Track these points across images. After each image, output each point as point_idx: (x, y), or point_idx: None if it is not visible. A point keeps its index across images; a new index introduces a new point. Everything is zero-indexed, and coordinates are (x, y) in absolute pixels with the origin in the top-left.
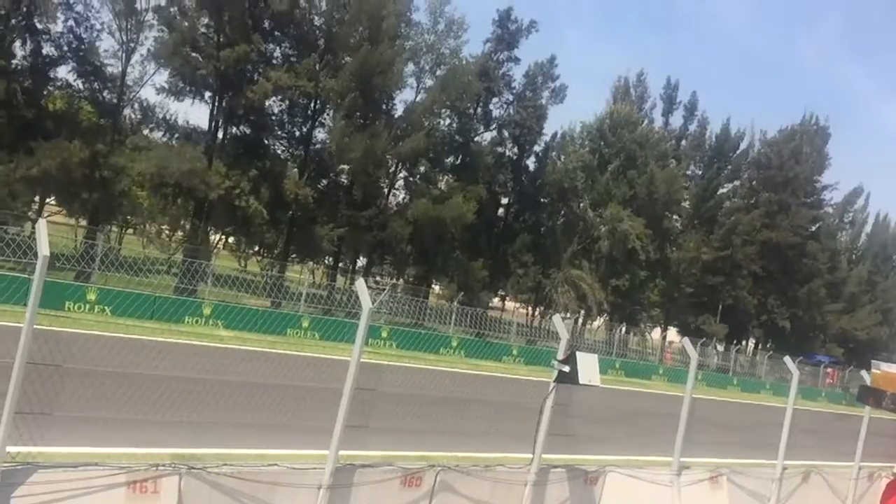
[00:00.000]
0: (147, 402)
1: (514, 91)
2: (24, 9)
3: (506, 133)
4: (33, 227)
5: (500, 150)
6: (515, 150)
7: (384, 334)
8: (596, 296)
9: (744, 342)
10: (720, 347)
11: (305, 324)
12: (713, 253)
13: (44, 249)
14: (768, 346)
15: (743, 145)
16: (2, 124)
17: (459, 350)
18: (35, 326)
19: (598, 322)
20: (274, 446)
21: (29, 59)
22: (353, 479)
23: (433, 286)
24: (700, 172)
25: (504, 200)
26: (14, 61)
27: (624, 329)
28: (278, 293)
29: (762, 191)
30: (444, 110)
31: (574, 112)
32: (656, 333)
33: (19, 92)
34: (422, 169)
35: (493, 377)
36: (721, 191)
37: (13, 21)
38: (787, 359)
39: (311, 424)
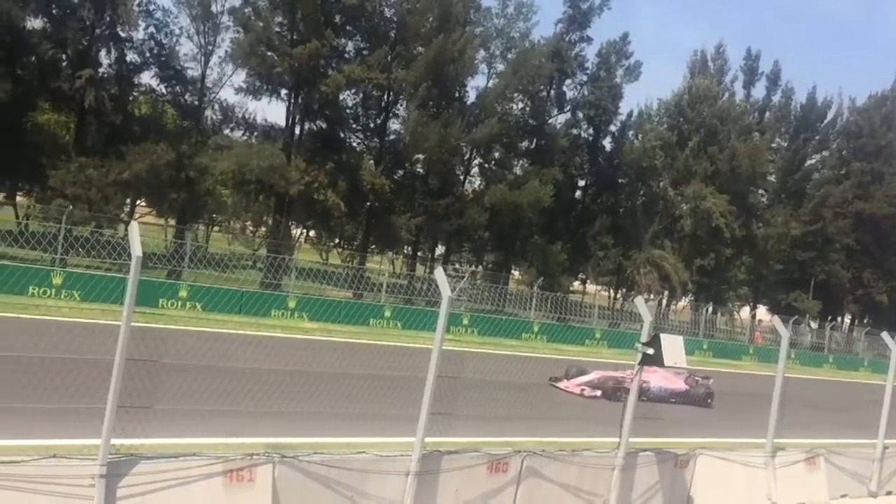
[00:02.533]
0: (239, 394)
1: (588, 71)
2: (108, 18)
3: (580, 114)
4: (126, 229)
5: (574, 132)
6: (591, 131)
7: (465, 321)
8: (679, 276)
9: (839, 318)
10: (814, 325)
11: (387, 314)
12: (803, 227)
13: (136, 250)
14: (865, 321)
15: (830, 114)
16: (93, 131)
17: (541, 335)
18: (132, 324)
19: (683, 303)
20: (362, 435)
21: (114, 67)
22: (440, 465)
23: (512, 272)
24: (786, 145)
25: (581, 183)
26: (101, 70)
27: (710, 309)
28: (360, 284)
29: (853, 161)
30: (516, 94)
31: (650, 89)
32: (745, 312)
33: (107, 99)
34: (496, 155)
35: (575, 361)
36: (809, 163)
37: (98, 31)
38: (885, 334)
39: (396, 413)
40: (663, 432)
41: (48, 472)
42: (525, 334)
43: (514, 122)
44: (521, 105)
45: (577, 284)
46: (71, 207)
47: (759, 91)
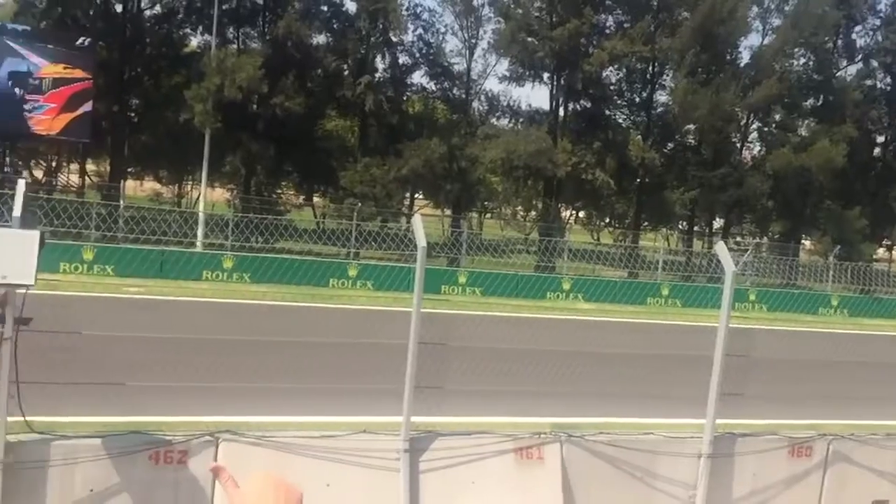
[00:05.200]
0: (521, 375)
1: (881, 14)
2: (381, 26)
3: (874, 63)
4: (408, 222)
5: (869, 82)
6: (888, 80)
7: (751, 297)
8: None
9: None
10: None
11: (665, 291)
12: None
13: (421, 241)
14: None
15: None
16: (374, 132)
17: (841, 309)
18: (421, 310)
19: None
20: (646, 416)
21: (388, 71)
22: (735, 448)
23: (803, 241)
24: None
25: (880, 139)
26: (377, 75)
27: None
28: (634, 263)
29: None
30: (797, 49)
31: None
32: None
33: (384, 101)
34: (777, 117)
35: (885, 336)
36: None
37: (373, 39)
38: None
39: (681, 392)
40: None
41: (359, 446)
42: (822, 309)
43: (796, 80)
44: (802, 60)
45: (881, 252)
46: (360, 205)
47: None
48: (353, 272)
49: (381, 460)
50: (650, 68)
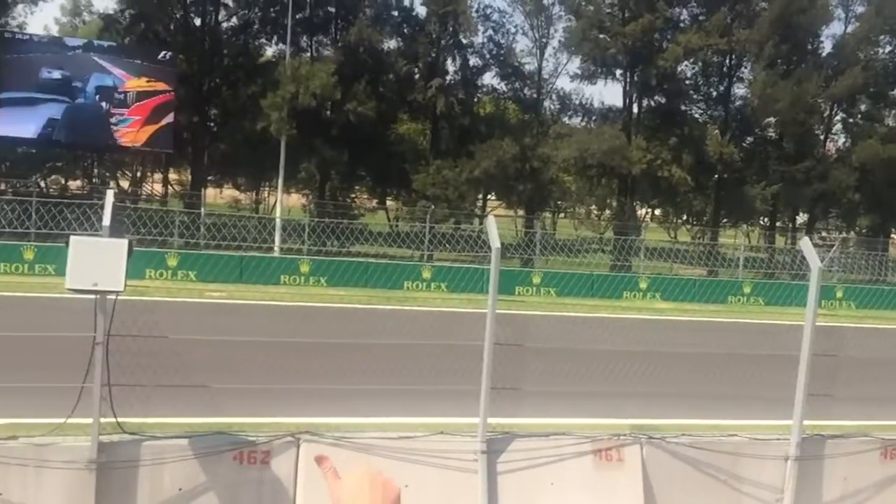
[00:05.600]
0: (599, 376)
1: None
2: (451, 29)
3: None
4: (481, 223)
5: None
6: None
7: (839, 294)
8: None
9: None
10: None
11: (747, 289)
12: None
13: (495, 242)
14: None
15: None
16: (445, 135)
17: None
18: (496, 311)
19: None
20: (729, 417)
21: (459, 73)
22: (824, 450)
23: (892, 235)
24: None
25: None
26: (448, 77)
27: None
28: (713, 260)
29: None
30: (882, 37)
31: None
32: None
33: (455, 104)
34: (862, 107)
35: None
36: None
37: (443, 42)
38: None
39: (767, 394)
40: None
41: (437, 447)
42: None
43: (882, 68)
44: (888, 48)
45: None
46: (433, 207)
47: None
48: (427, 274)
49: (458, 461)
50: (727, 61)
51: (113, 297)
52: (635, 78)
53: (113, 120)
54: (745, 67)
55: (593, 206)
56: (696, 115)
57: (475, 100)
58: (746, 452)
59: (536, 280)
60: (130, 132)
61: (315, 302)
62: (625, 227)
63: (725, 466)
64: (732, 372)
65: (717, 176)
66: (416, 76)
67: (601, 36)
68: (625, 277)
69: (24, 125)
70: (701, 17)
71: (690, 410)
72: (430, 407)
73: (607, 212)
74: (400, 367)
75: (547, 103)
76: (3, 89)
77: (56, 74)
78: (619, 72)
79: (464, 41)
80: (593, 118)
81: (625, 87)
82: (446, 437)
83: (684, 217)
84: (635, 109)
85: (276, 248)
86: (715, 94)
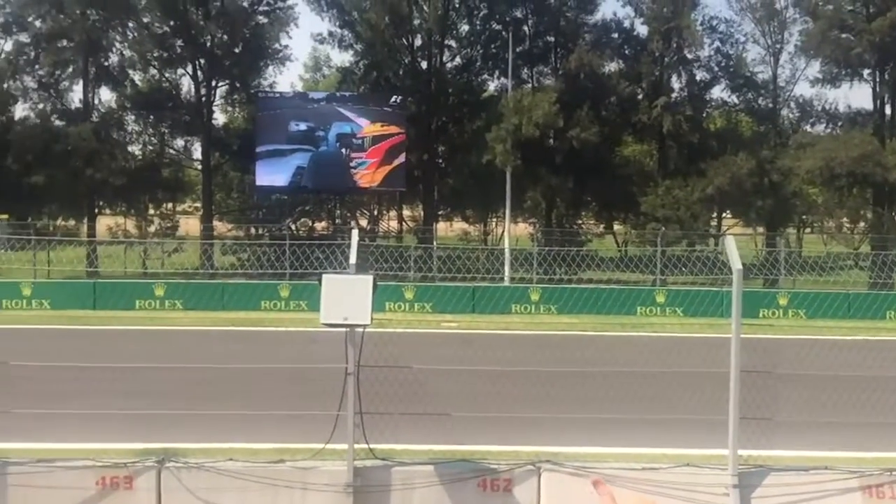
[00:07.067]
0: (861, 405)
1: None
2: (675, 45)
3: None
4: (716, 243)
5: None
6: None
7: None
8: None
9: None
10: None
11: None
12: None
13: (736, 263)
14: None
15: None
16: (673, 154)
17: None
18: (740, 336)
19: None
20: None
21: (685, 90)
22: None
23: None
24: None
25: None
26: (673, 95)
27: None
28: None
29: None
30: None
31: None
32: None
33: (683, 121)
34: None
35: None
36: None
37: (667, 59)
38: None
39: None
40: None
41: (684, 480)
42: None
43: None
44: None
45: None
46: (663, 229)
47: None
48: (661, 298)
49: (707, 495)
50: None
51: (361, 329)
52: (886, 77)
53: (352, 164)
54: None
55: (845, 219)
56: None
57: (704, 115)
58: None
59: (783, 301)
60: (367, 174)
61: (547, 330)
62: (883, 240)
63: None
64: None
65: None
66: (640, 97)
67: (843, 35)
68: (887, 296)
69: (277, 174)
70: None
71: None
72: (672, 437)
73: (861, 224)
74: (637, 395)
75: (785, 112)
76: (259, 143)
77: (302, 126)
78: (866, 72)
79: (689, 56)
80: (839, 124)
81: (874, 88)
82: (694, 469)
83: None
84: (888, 111)
85: (505, 278)
86: None
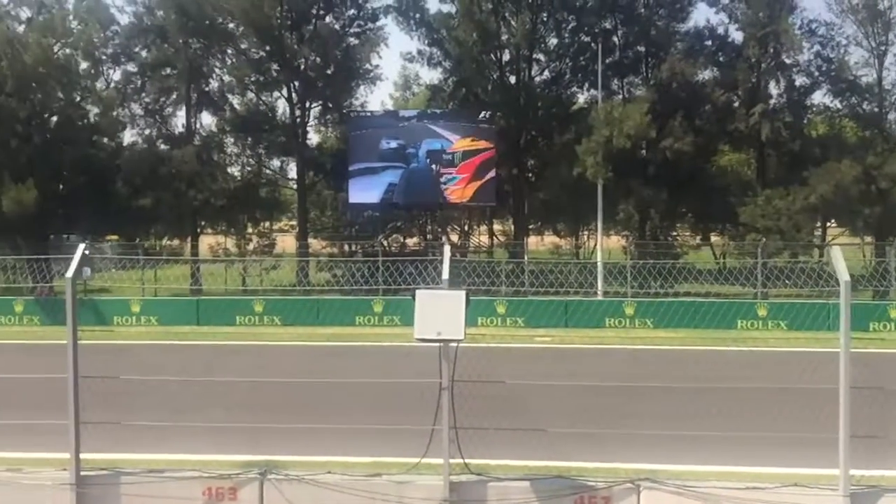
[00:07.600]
0: None
1: None
2: (772, 50)
3: None
4: (821, 254)
5: None
6: None
7: None
8: None
9: None
10: None
11: None
12: None
13: (843, 275)
14: None
15: None
16: (773, 162)
17: None
18: (850, 350)
19: None
20: None
21: (784, 96)
22: None
23: None
24: None
25: None
26: (771, 101)
27: None
28: None
29: None
30: None
31: None
32: None
33: (782, 128)
34: None
35: None
36: None
37: (763, 65)
38: None
39: None
40: None
41: (790, 500)
42: None
43: None
44: None
45: None
46: (764, 240)
47: None
48: (762, 312)
49: None
50: None
51: (455, 344)
52: None
53: (442, 180)
54: None
55: None
56: None
57: (804, 121)
58: None
59: (894, 314)
60: (458, 189)
61: (643, 344)
62: None
63: None
64: None
65: None
66: (736, 104)
67: None
68: None
69: (369, 192)
70: None
71: None
72: (776, 455)
73: None
74: (739, 411)
75: (892, 116)
76: (352, 162)
77: (393, 144)
78: None
79: (787, 61)
80: None
81: None
82: (801, 489)
83: None
84: None
85: (598, 292)
86: None
